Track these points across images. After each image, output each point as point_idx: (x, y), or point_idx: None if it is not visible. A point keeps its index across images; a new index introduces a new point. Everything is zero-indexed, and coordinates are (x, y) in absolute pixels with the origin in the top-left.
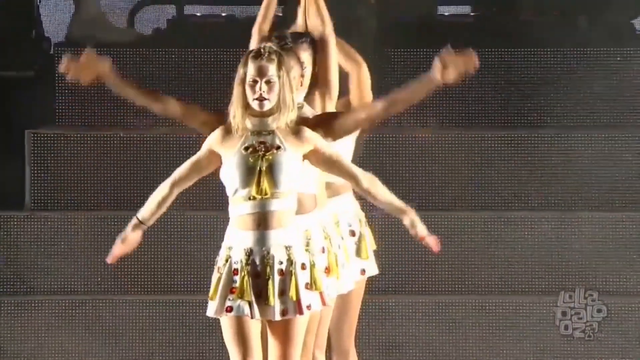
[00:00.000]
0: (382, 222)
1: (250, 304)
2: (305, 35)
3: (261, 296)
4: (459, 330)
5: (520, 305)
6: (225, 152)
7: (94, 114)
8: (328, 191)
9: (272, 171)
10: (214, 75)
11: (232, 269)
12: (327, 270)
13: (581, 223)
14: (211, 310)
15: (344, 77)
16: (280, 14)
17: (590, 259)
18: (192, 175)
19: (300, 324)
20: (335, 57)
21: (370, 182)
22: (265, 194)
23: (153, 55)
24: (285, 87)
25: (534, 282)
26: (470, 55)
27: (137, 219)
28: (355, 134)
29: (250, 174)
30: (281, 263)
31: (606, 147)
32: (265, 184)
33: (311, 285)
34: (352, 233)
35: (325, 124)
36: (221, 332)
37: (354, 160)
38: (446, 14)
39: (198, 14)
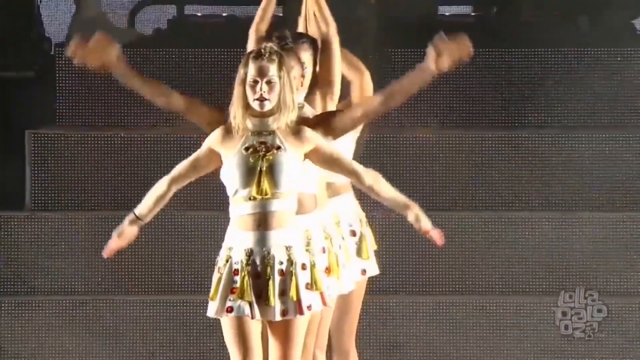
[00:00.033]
0: (382, 222)
1: (250, 304)
2: (305, 36)
3: (261, 296)
4: (460, 330)
5: (521, 305)
6: (226, 152)
7: (95, 114)
8: (328, 191)
9: (272, 171)
10: (215, 75)
11: (233, 269)
12: (328, 270)
13: (582, 223)
14: (212, 310)
15: (346, 84)
16: (281, 14)
17: (590, 259)
18: (190, 174)
19: (300, 324)
20: (339, 57)
21: (373, 178)
22: (266, 194)
23: (153, 56)
24: (286, 88)
25: (534, 282)
26: (464, 40)
27: (134, 214)
28: (356, 134)
29: (250, 174)
30: (281, 263)
31: (607, 147)
32: (265, 184)
33: (312, 285)
34: (353, 233)
35: (325, 123)
36: (222, 333)
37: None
38: (447, 14)
39: (198, 14)
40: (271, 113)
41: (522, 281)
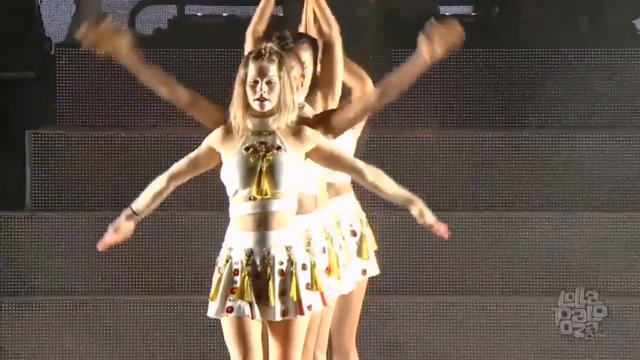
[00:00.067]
0: (383, 223)
1: (250, 304)
2: (305, 36)
3: (261, 297)
4: (460, 330)
5: (521, 305)
6: (226, 152)
7: (95, 115)
8: (329, 191)
9: (272, 172)
10: (215, 75)
11: (233, 270)
12: (328, 270)
13: (582, 223)
14: (212, 310)
15: (346, 91)
16: (281, 14)
17: (591, 259)
18: (189, 171)
19: (300, 324)
20: (341, 59)
21: (375, 175)
22: (266, 195)
23: (154, 56)
24: (286, 88)
25: (534, 282)
26: (454, 25)
27: (132, 209)
28: (356, 134)
29: (250, 174)
30: (282, 263)
31: (607, 148)
32: (265, 185)
33: (312, 285)
34: (354, 233)
35: (325, 122)
36: (222, 333)
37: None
38: (447, 13)
39: (199, 14)
40: (271, 113)
41: (523, 281)
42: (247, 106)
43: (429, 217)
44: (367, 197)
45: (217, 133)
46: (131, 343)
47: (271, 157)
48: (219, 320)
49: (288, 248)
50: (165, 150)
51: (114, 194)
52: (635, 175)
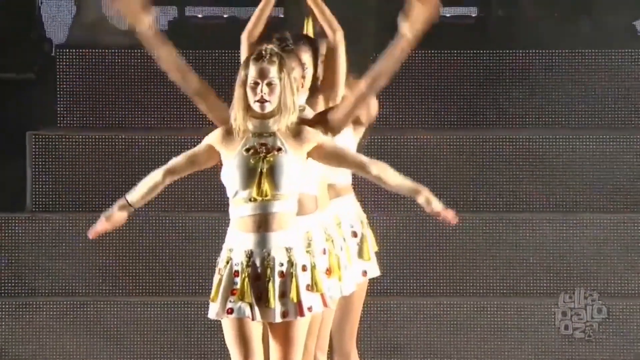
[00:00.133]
0: (383, 224)
1: (251, 305)
2: (306, 37)
3: (262, 298)
4: (461, 331)
5: (522, 307)
6: (226, 152)
7: (95, 116)
8: (330, 192)
9: (273, 173)
10: (215, 76)
11: (233, 271)
12: (328, 271)
13: (583, 225)
14: (212, 312)
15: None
16: (282, 16)
17: (591, 260)
18: (186, 168)
19: (301, 326)
20: (344, 62)
21: (379, 168)
22: (266, 196)
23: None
24: (287, 89)
25: (535, 284)
26: None
27: (126, 200)
28: (358, 136)
29: (251, 175)
30: (282, 265)
31: (608, 149)
32: (266, 186)
33: (312, 287)
34: (354, 234)
35: (323, 121)
36: (223, 334)
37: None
38: (448, 15)
39: (199, 16)
40: (272, 115)
41: (523, 283)
42: (247, 107)
43: (436, 205)
44: (368, 199)
45: (218, 133)
46: (132, 344)
47: (272, 159)
48: (220, 321)
49: (288, 249)
50: (165, 152)
51: (114, 195)
52: (635, 177)
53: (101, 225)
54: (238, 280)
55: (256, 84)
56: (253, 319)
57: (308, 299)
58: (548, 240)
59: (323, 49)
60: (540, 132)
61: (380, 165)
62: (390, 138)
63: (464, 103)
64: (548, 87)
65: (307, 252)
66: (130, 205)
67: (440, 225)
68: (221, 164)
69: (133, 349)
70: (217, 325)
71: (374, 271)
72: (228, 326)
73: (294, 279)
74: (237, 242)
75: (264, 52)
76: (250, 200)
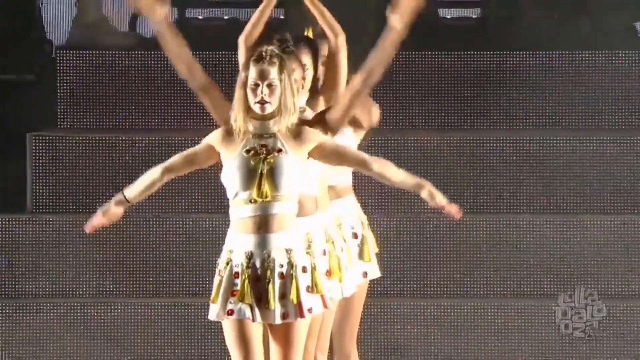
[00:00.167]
0: (384, 225)
1: (251, 307)
2: (306, 38)
3: (262, 300)
4: (461, 333)
5: (522, 308)
6: (226, 153)
7: (96, 117)
8: (330, 194)
9: (273, 174)
10: (216, 78)
11: (233, 272)
12: (328, 273)
13: (583, 226)
14: (213, 313)
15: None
16: (282, 17)
17: (592, 262)
18: (185, 167)
19: (301, 327)
20: (345, 65)
21: (381, 164)
22: (266, 197)
23: (154, 58)
24: (287, 91)
25: (536, 285)
26: None
27: (123, 195)
28: (358, 139)
29: (251, 176)
30: (282, 266)
31: (608, 150)
32: (266, 187)
33: (312, 288)
34: (355, 235)
35: (322, 121)
36: (223, 335)
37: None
38: (448, 16)
39: (200, 17)
40: (272, 116)
41: (524, 284)
42: (247, 109)
43: (440, 199)
44: (368, 200)
45: (218, 133)
46: (132, 346)
47: (272, 160)
48: (220, 322)
49: (288, 251)
50: (166, 153)
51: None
52: (636, 178)
53: (98, 220)
54: (238, 281)
55: (256, 85)
56: (253, 320)
57: (308, 300)
58: (548, 242)
59: (324, 50)
60: (540, 133)
61: (382, 162)
62: (391, 139)
63: (464, 104)
64: (548, 88)
65: (307, 253)
66: (127, 200)
67: (440, 227)
68: (220, 164)
69: (133, 350)
70: (217, 327)
71: (375, 272)
72: (228, 327)
73: (294, 281)
74: (237, 244)
75: (264, 54)
76: (250, 201)
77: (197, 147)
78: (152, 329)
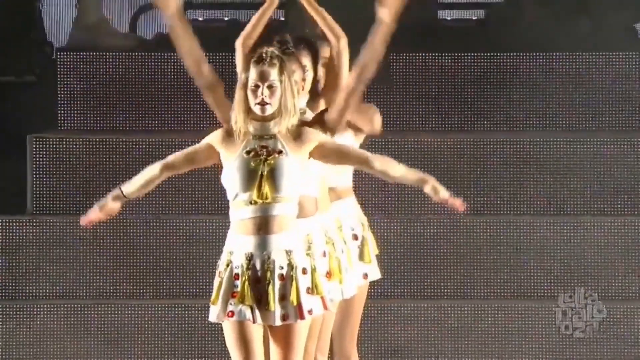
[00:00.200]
0: (384, 226)
1: (252, 308)
2: (306, 40)
3: (262, 301)
4: (462, 334)
5: (523, 309)
6: (226, 154)
7: (96, 119)
8: (331, 195)
9: (273, 175)
10: None
11: (234, 274)
12: (328, 274)
13: (584, 227)
14: (213, 315)
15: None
16: (282, 19)
17: (593, 263)
18: (184, 165)
19: (301, 328)
20: (347, 68)
21: (383, 161)
22: (267, 199)
23: (155, 60)
24: (287, 92)
25: (536, 286)
26: None
27: (121, 190)
28: (358, 141)
29: (251, 178)
30: (282, 268)
31: (609, 152)
32: (266, 188)
33: (312, 289)
34: (355, 237)
35: (320, 122)
36: (223, 337)
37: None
38: (449, 18)
39: (200, 19)
40: (272, 117)
41: (524, 285)
42: (248, 110)
43: (443, 193)
44: (369, 201)
45: (219, 133)
46: (132, 347)
47: (272, 161)
48: (221, 324)
49: (288, 252)
50: (166, 154)
51: None
52: (637, 179)
53: (94, 214)
54: (238, 283)
55: (257, 86)
56: (254, 322)
57: (308, 301)
58: (549, 243)
59: (324, 52)
60: (541, 134)
61: (384, 159)
62: (392, 141)
63: (465, 106)
64: (549, 90)
65: (307, 254)
66: (124, 196)
67: (441, 228)
68: (220, 164)
69: (134, 352)
70: (217, 328)
71: (375, 274)
72: (229, 329)
73: (294, 282)
74: (238, 245)
75: (264, 55)
76: (250, 202)
77: (197, 146)
78: (152, 330)
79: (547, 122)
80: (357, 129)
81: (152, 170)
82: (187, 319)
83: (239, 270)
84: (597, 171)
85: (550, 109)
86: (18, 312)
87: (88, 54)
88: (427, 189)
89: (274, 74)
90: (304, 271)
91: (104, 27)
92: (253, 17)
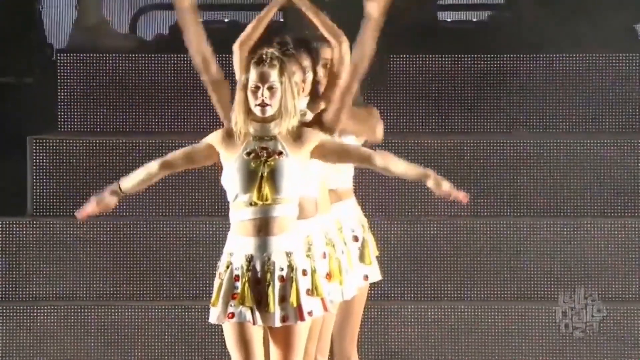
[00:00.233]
0: (384, 228)
1: (252, 309)
2: (306, 41)
3: (262, 302)
4: (462, 336)
5: (523, 311)
6: (226, 154)
7: (96, 120)
8: (331, 197)
9: (273, 177)
10: None
11: (234, 275)
12: (328, 276)
13: (584, 229)
14: (213, 316)
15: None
16: (282, 20)
17: (593, 265)
18: (183, 163)
19: (301, 330)
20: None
21: (384, 158)
22: (267, 200)
23: (155, 61)
24: (287, 93)
25: (536, 288)
26: None
27: (118, 185)
28: (360, 141)
29: (251, 179)
30: (282, 269)
31: (609, 153)
32: (266, 190)
33: (312, 291)
34: (355, 239)
35: (319, 123)
36: (224, 338)
37: (358, 168)
38: (448, 20)
39: (200, 20)
40: (273, 118)
41: (524, 287)
42: (248, 111)
43: (446, 186)
44: (369, 203)
45: (219, 133)
46: (133, 349)
47: (272, 163)
48: (221, 325)
49: (288, 254)
50: None
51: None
52: (637, 181)
53: (90, 208)
54: (239, 284)
55: (257, 87)
56: (254, 323)
57: (308, 303)
58: (549, 245)
59: (325, 53)
60: (541, 136)
61: (385, 155)
62: (392, 142)
63: (465, 107)
64: (549, 91)
65: (308, 256)
66: (121, 191)
67: (441, 230)
68: (219, 165)
69: (134, 353)
70: (218, 330)
71: (375, 275)
72: (229, 330)
73: (294, 283)
74: (238, 246)
75: (264, 56)
76: (250, 204)
77: (197, 144)
78: (152, 332)
79: (547, 123)
80: (359, 135)
81: (150, 168)
82: (187, 320)
83: (239, 272)
84: (597, 173)
85: (550, 110)
86: (18, 314)
87: (88, 55)
88: (430, 184)
89: (274, 75)
90: (304, 272)
91: (104, 28)
92: (255, 18)
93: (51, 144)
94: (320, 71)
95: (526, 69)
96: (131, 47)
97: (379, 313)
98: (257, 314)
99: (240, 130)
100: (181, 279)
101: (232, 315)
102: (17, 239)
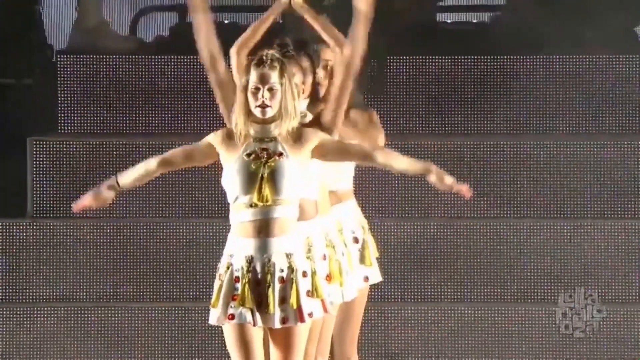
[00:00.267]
0: (384, 230)
1: (252, 311)
2: (307, 43)
3: (262, 304)
4: (462, 337)
5: (523, 313)
6: (226, 155)
7: (96, 121)
8: (331, 198)
9: (274, 178)
10: None
11: (234, 277)
12: (329, 277)
13: (585, 231)
14: (213, 318)
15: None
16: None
17: (593, 267)
18: (182, 161)
19: (301, 331)
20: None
21: (385, 155)
22: (267, 201)
23: (155, 63)
24: (287, 94)
25: (536, 290)
26: None
27: (116, 180)
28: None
29: (251, 180)
30: (282, 271)
31: (609, 154)
32: (266, 191)
33: (312, 292)
34: (356, 240)
35: (318, 123)
36: (224, 339)
37: (359, 169)
38: (448, 21)
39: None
40: (273, 120)
41: (524, 289)
42: (248, 113)
43: (449, 180)
44: (369, 204)
45: (219, 133)
46: (133, 350)
47: (273, 164)
48: (221, 327)
49: (289, 255)
50: None
51: (115, 201)
52: (637, 183)
53: (87, 201)
54: (239, 285)
55: (257, 89)
56: (254, 325)
57: (308, 304)
58: (549, 246)
59: (325, 55)
60: (541, 138)
61: (386, 152)
62: (392, 144)
63: (465, 109)
64: (549, 92)
65: (308, 257)
66: (119, 186)
67: (441, 231)
68: (219, 165)
69: (134, 355)
70: (218, 331)
71: (376, 277)
72: (229, 332)
73: (294, 285)
74: (238, 248)
75: (265, 58)
76: (251, 205)
77: (197, 143)
78: (152, 333)
79: (547, 124)
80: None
81: (149, 164)
82: (187, 321)
83: (239, 273)
84: (597, 174)
85: (550, 111)
86: (18, 315)
87: (88, 56)
88: (432, 178)
89: (274, 76)
90: (304, 274)
91: (104, 29)
92: (256, 21)
93: (51, 145)
94: (321, 73)
95: (526, 70)
96: (131, 48)
97: (379, 314)
98: (257, 315)
99: (240, 132)
100: (181, 280)
101: (232, 316)
102: (17, 240)
